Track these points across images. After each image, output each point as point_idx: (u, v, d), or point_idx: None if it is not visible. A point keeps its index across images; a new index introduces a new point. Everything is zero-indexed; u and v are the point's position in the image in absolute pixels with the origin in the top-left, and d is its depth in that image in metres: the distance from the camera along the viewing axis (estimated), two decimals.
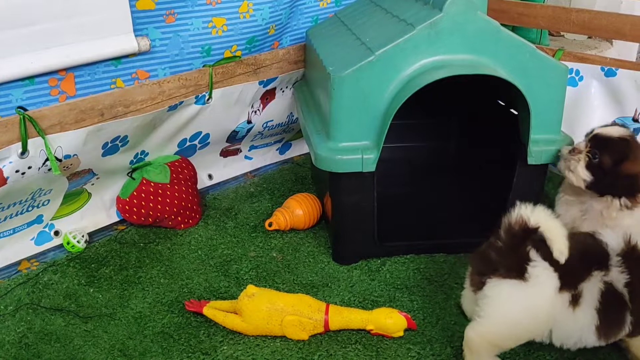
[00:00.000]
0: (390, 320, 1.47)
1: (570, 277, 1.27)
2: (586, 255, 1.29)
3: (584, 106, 2.22)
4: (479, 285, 1.34)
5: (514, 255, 1.29)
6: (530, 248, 1.28)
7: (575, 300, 1.26)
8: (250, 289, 1.51)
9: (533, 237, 1.28)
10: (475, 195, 2.02)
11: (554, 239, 1.25)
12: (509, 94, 1.66)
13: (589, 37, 3.21)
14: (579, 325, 1.28)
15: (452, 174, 2.21)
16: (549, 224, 1.27)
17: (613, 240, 1.31)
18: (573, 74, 2.21)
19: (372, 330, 1.49)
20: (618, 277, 1.26)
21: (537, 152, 1.63)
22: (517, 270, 1.27)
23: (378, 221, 1.73)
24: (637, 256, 1.28)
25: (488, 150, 2.01)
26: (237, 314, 1.50)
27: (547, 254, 1.27)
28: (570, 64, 2.17)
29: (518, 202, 1.68)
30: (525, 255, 1.27)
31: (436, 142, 2.28)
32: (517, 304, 1.29)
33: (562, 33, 3.22)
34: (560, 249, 1.25)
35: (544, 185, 1.74)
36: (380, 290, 1.66)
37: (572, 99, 2.18)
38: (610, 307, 1.27)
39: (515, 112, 1.74)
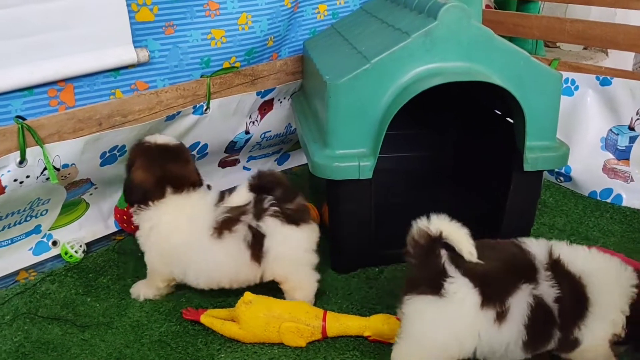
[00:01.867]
0: (387, 326, 1.47)
1: (494, 292, 1.22)
2: (511, 269, 1.25)
3: (580, 115, 2.24)
4: (402, 305, 1.30)
5: (428, 269, 1.25)
6: (447, 262, 1.23)
7: (500, 316, 1.21)
8: (248, 296, 1.50)
9: (451, 253, 1.24)
10: (472, 203, 2.02)
11: (459, 240, 1.23)
12: (504, 102, 1.68)
13: (585, 48, 3.24)
14: (505, 341, 1.23)
15: (450, 183, 2.22)
16: (450, 229, 1.24)
17: (537, 251, 1.27)
18: (569, 84, 2.23)
19: (369, 336, 1.49)
20: (547, 291, 1.22)
21: (533, 158, 1.64)
22: (433, 286, 1.22)
23: (376, 229, 1.73)
24: (563, 270, 1.25)
25: (485, 159, 2.02)
26: (234, 321, 1.50)
27: (466, 270, 1.23)
28: (565, 74, 2.19)
29: (515, 209, 1.72)
30: (441, 270, 1.23)
31: (434, 152, 2.29)
32: (433, 322, 1.24)
33: (557, 44, 3.25)
34: (469, 250, 1.22)
35: (540, 192, 1.75)
36: (378, 297, 1.66)
37: (568, 108, 2.20)
38: (539, 322, 1.22)
39: (512, 121, 1.75)
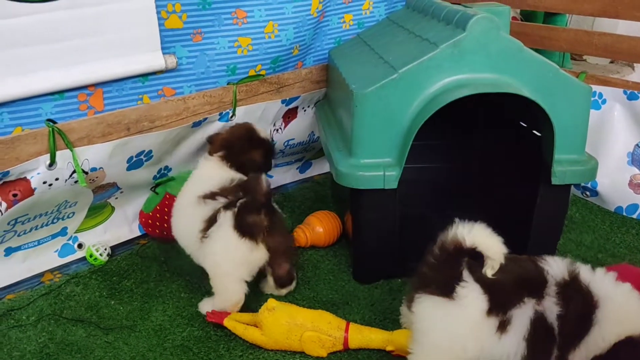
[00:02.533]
0: None
1: (501, 301, 1.22)
2: (521, 281, 1.24)
3: (607, 129, 2.21)
4: (411, 303, 1.29)
5: (445, 273, 1.24)
6: (464, 269, 1.23)
7: (502, 326, 1.21)
8: (271, 302, 1.50)
9: (470, 260, 1.24)
10: (498, 216, 2.00)
11: (492, 258, 1.21)
12: (531, 114, 1.66)
13: (611, 62, 3.21)
14: (505, 352, 1.22)
15: (475, 195, 2.20)
16: (488, 243, 1.22)
17: (556, 268, 1.25)
18: (596, 97, 2.21)
19: (392, 351, 1.47)
20: (551, 307, 1.21)
21: (561, 172, 1.62)
22: (445, 289, 1.23)
23: (400, 241, 1.72)
24: (576, 287, 1.23)
25: (511, 171, 2.00)
26: (257, 327, 1.50)
27: (479, 276, 1.23)
28: (593, 87, 2.16)
29: (542, 223, 1.70)
30: (457, 274, 1.23)
31: (459, 163, 2.27)
32: (441, 323, 1.25)
33: (584, 57, 3.22)
34: (493, 267, 1.22)
35: (568, 206, 1.72)
36: None
37: (595, 122, 2.17)
38: (539, 338, 1.21)
39: (538, 134, 1.74)
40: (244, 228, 1.53)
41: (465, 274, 1.23)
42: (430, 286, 1.26)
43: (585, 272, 1.25)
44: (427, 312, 1.26)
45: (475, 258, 1.24)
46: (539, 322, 1.21)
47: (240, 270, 1.57)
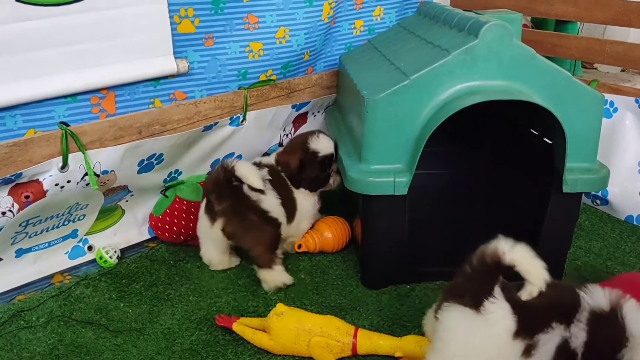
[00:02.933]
0: (419, 349, 1.44)
1: (529, 324, 1.19)
2: (552, 306, 1.21)
3: (619, 138, 2.20)
4: (439, 310, 1.27)
5: (477, 284, 1.22)
6: (496, 286, 1.21)
7: (528, 351, 1.18)
8: (280, 307, 1.50)
9: (504, 281, 1.22)
10: (507, 223, 1.99)
11: (532, 280, 1.19)
12: (542, 122, 1.66)
13: (623, 70, 3.19)
14: None
15: (485, 202, 2.19)
16: (529, 264, 1.19)
17: (597, 297, 1.21)
18: (607, 106, 2.20)
19: (400, 357, 1.47)
20: (577, 333, 1.18)
21: (573, 180, 1.61)
22: (474, 300, 1.20)
23: (409, 246, 1.72)
24: (611, 317, 1.19)
25: (521, 179, 2.00)
26: (265, 331, 1.50)
27: (511, 297, 1.20)
28: (604, 96, 2.15)
29: (552, 231, 1.69)
30: (489, 289, 1.20)
31: (468, 170, 2.27)
32: (464, 335, 1.22)
33: (595, 65, 3.21)
34: (531, 292, 1.19)
35: (579, 215, 1.71)
36: (409, 315, 1.64)
37: (606, 130, 2.15)
38: None
39: (549, 141, 1.73)
40: (205, 204, 1.80)
41: (497, 291, 1.21)
42: (461, 296, 1.24)
43: (628, 307, 1.21)
44: (453, 321, 1.24)
45: (510, 278, 1.22)
46: (563, 348, 1.18)
47: (207, 239, 1.84)
